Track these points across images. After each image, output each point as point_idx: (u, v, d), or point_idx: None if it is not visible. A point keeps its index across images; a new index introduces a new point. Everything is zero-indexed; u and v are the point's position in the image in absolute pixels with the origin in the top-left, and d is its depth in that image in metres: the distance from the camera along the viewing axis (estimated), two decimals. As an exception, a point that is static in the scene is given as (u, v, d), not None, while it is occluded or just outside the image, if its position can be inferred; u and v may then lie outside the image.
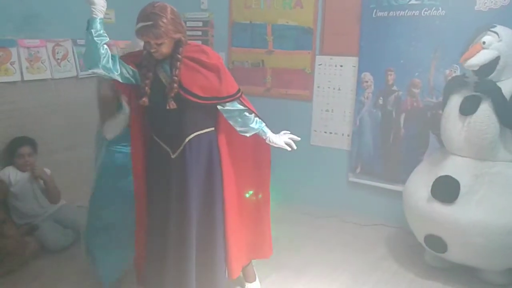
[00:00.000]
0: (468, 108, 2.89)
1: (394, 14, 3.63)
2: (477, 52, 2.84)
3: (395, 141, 3.82)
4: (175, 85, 2.25)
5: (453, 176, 2.86)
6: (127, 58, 2.36)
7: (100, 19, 2.19)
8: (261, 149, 2.63)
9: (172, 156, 2.38)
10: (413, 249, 3.37)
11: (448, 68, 3.43)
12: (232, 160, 2.52)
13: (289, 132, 2.58)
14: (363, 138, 3.96)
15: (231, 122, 2.45)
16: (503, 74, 2.87)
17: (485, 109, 2.82)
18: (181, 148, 2.37)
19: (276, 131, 2.57)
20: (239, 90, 2.42)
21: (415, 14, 3.54)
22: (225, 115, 2.43)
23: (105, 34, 2.22)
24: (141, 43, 2.34)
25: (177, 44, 2.27)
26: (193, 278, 2.43)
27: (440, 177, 2.91)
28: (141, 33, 2.18)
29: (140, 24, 2.16)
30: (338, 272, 3.18)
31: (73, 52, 3.86)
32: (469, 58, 2.86)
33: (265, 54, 4.36)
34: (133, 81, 2.36)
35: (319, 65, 4.12)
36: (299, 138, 2.57)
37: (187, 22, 4.56)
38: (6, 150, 3.45)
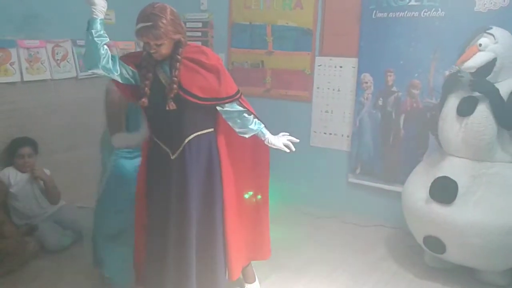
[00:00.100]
0: (465, 109, 2.89)
1: (393, 15, 3.64)
2: (474, 54, 2.85)
3: (394, 142, 3.82)
4: (175, 85, 2.25)
5: (451, 177, 2.86)
6: (127, 58, 2.36)
7: (100, 19, 2.19)
8: (260, 150, 2.63)
9: (172, 157, 2.38)
10: (412, 250, 3.37)
11: (447, 69, 3.43)
12: (232, 161, 2.53)
13: (288, 134, 2.58)
14: (363, 139, 3.97)
15: (230, 123, 2.45)
16: (500, 76, 2.88)
17: (482, 110, 2.83)
18: (181, 148, 2.37)
19: (275, 132, 2.57)
20: (238, 91, 2.42)
21: (415, 15, 3.54)
22: (224, 116, 2.43)
23: (105, 35, 2.22)
24: None
25: (177, 45, 2.27)
26: (193, 278, 2.43)
27: (438, 178, 2.91)
28: (140, 33, 2.18)
29: (140, 25, 2.17)
30: (337, 272, 3.18)
31: (72, 52, 3.86)
32: (466, 61, 2.86)
33: (265, 55, 4.36)
34: (133, 81, 2.36)
35: (318, 66, 4.13)
36: (298, 140, 2.57)
37: (187, 23, 4.56)
38: (6, 150, 3.45)
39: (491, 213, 2.75)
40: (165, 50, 2.24)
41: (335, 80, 4.06)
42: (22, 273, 3.08)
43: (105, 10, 2.21)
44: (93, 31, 2.17)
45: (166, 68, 2.31)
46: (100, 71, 2.25)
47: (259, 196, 2.73)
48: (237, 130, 2.46)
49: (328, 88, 4.11)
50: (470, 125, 2.86)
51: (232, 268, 2.61)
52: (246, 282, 2.89)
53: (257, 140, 2.53)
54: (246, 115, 2.44)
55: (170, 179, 2.40)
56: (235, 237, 2.58)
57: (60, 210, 3.59)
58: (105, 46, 2.23)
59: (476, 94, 2.87)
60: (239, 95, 2.42)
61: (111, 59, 2.26)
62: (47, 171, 3.55)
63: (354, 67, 3.94)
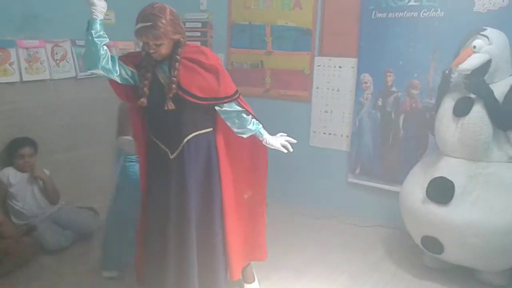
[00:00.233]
0: (461, 110, 2.90)
1: (393, 16, 3.64)
2: (468, 56, 2.85)
3: (394, 142, 3.82)
4: (174, 85, 2.26)
5: (448, 177, 2.87)
6: (126, 58, 2.36)
7: (100, 20, 2.19)
8: (258, 150, 2.63)
9: (171, 157, 2.39)
10: (412, 250, 3.38)
11: (447, 69, 3.43)
12: (230, 161, 2.53)
13: (286, 134, 2.58)
14: (363, 139, 3.97)
15: (228, 123, 2.45)
16: (495, 76, 2.89)
17: (478, 111, 2.84)
18: (180, 148, 2.37)
19: (275, 132, 2.57)
20: (237, 91, 2.43)
21: (414, 15, 3.55)
22: (222, 116, 2.43)
23: (105, 35, 2.22)
24: None
25: (176, 45, 2.27)
26: (195, 278, 2.43)
27: (435, 178, 2.92)
28: (140, 34, 2.18)
29: (140, 25, 2.17)
30: (337, 273, 3.18)
31: (72, 52, 3.85)
32: (461, 63, 2.87)
33: (264, 55, 4.36)
34: (132, 82, 2.36)
35: (318, 66, 4.13)
36: (296, 141, 2.57)
37: (186, 23, 4.56)
38: (6, 150, 3.45)
39: (488, 212, 2.76)
40: (164, 50, 2.24)
41: (335, 80, 4.06)
42: (22, 273, 3.08)
43: (105, 10, 2.21)
44: (93, 31, 2.17)
45: (165, 68, 2.31)
46: (99, 72, 2.25)
47: (256, 197, 2.72)
48: (235, 130, 2.47)
49: (328, 88, 4.11)
50: (466, 126, 2.86)
51: (233, 268, 2.61)
52: (246, 282, 2.89)
53: (255, 140, 2.54)
54: (244, 115, 2.45)
55: (169, 178, 2.40)
56: (235, 237, 2.59)
57: (59, 210, 3.59)
58: (105, 47, 2.23)
59: (472, 94, 2.88)
60: (237, 95, 2.42)
61: (111, 60, 2.27)
62: (47, 171, 3.55)
63: (353, 67, 3.94)
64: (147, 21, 2.15)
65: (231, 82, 2.41)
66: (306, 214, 4.10)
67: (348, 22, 3.90)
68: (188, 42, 2.36)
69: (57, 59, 3.76)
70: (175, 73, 2.26)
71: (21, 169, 3.43)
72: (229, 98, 2.38)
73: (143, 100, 2.29)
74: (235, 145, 2.54)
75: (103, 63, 2.23)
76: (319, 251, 3.48)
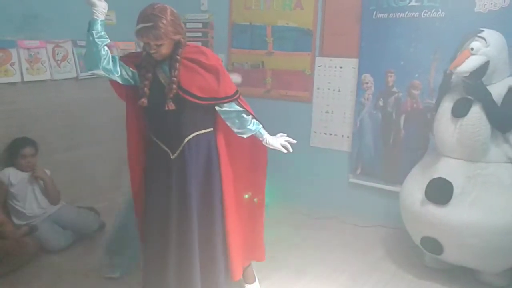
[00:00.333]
0: (459, 111, 2.91)
1: (394, 16, 3.64)
2: (466, 58, 2.86)
3: (395, 142, 3.82)
4: (174, 86, 2.26)
5: (446, 178, 2.88)
6: (127, 59, 2.36)
7: (101, 20, 2.19)
8: (258, 150, 2.63)
9: (172, 157, 2.39)
10: (412, 250, 3.37)
11: (448, 69, 3.43)
12: (230, 161, 2.53)
13: (286, 135, 2.58)
14: (364, 139, 3.97)
15: (228, 123, 2.45)
16: (493, 78, 2.89)
17: (476, 112, 2.84)
18: (180, 148, 2.37)
19: (276, 132, 2.58)
20: (237, 92, 2.43)
21: (415, 15, 3.54)
22: (222, 116, 2.44)
23: (106, 36, 2.22)
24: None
25: (177, 45, 2.28)
26: (197, 278, 2.43)
27: (434, 179, 2.92)
28: (141, 34, 2.18)
29: (140, 25, 2.17)
30: (337, 272, 3.18)
31: (73, 53, 3.86)
32: (459, 65, 2.87)
33: (265, 55, 4.37)
34: (132, 82, 2.36)
35: (319, 66, 4.13)
36: (295, 141, 2.57)
37: (187, 24, 4.56)
38: (7, 150, 3.45)
39: (487, 213, 2.76)
40: (165, 50, 2.24)
41: (335, 80, 4.06)
42: (22, 273, 3.08)
43: (105, 11, 2.21)
44: (93, 32, 2.17)
45: (166, 68, 2.31)
46: (100, 72, 2.26)
47: (255, 198, 2.72)
48: (235, 130, 2.47)
49: (329, 89, 4.11)
50: (465, 126, 2.87)
51: (234, 268, 2.61)
52: (246, 283, 2.89)
53: (255, 140, 2.54)
54: (244, 115, 2.45)
55: (170, 179, 2.40)
56: (235, 237, 2.58)
57: (60, 210, 3.59)
58: (106, 47, 2.23)
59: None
60: (237, 95, 2.42)
61: (112, 60, 2.27)
62: (47, 171, 3.55)
63: (354, 68, 3.94)
64: (148, 22, 2.15)
65: (231, 82, 2.41)
66: (306, 214, 4.10)
67: (349, 23, 3.90)
68: (188, 43, 2.36)
69: (58, 60, 3.76)
70: (176, 73, 2.26)
71: (23, 169, 3.44)
72: (229, 98, 2.38)
73: (144, 100, 2.30)
74: (236, 145, 2.54)
75: (104, 63, 2.24)
76: (319, 251, 3.48)
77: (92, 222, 3.66)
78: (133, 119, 2.45)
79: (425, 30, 3.52)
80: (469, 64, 2.84)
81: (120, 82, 2.34)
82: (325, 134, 4.19)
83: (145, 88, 2.30)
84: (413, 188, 3.10)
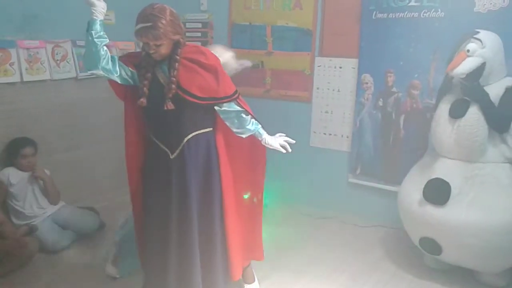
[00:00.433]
0: (457, 112, 2.92)
1: (393, 16, 3.64)
2: (463, 60, 2.86)
3: (395, 142, 3.82)
4: (173, 85, 2.26)
5: (444, 178, 2.88)
6: (126, 59, 2.36)
7: (100, 20, 2.19)
8: (258, 150, 2.63)
9: (171, 157, 2.39)
10: (412, 250, 3.37)
11: (447, 69, 3.44)
12: (230, 161, 2.53)
13: (285, 135, 2.58)
14: (363, 139, 3.97)
15: (227, 123, 2.45)
16: (490, 78, 2.90)
17: (474, 113, 2.85)
18: (180, 148, 2.37)
19: (275, 132, 2.58)
20: (236, 91, 2.43)
21: (415, 15, 3.54)
22: (222, 116, 2.44)
23: (105, 36, 2.22)
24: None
25: (176, 45, 2.28)
26: (198, 278, 2.43)
27: (431, 179, 2.93)
28: (140, 34, 2.18)
29: (139, 25, 2.17)
30: (337, 273, 3.18)
31: (72, 53, 3.86)
32: (455, 67, 2.88)
33: (265, 55, 4.36)
34: (131, 82, 2.36)
35: (318, 66, 4.13)
36: (294, 141, 2.58)
37: (187, 24, 4.56)
38: (7, 150, 3.45)
39: (485, 213, 2.76)
40: (164, 50, 2.24)
41: (335, 80, 4.06)
42: (22, 273, 3.08)
43: (104, 11, 2.21)
44: (93, 32, 2.18)
45: (165, 68, 2.31)
46: (100, 72, 2.26)
47: (254, 198, 2.73)
48: (234, 130, 2.47)
49: (328, 89, 4.11)
50: (463, 127, 2.88)
51: (234, 268, 2.61)
52: (246, 283, 2.89)
53: (254, 140, 2.54)
54: (243, 115, 2.45)
55: (169, 178, 2.40)
56: (235, 237, 2.59)
57: (60, 210, 3.59)
58: (105, 47, 2.23)
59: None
60: (237, 95, 2.42)
61: (111, 60, 2.27)
62: (47, 171, 3.55)
63: (353, 68, 3.94)
64: (147, 22, 2.15)
65: (230, 82, 2.42)
66: (306, 214, 4.10)
67: (348, 23, 3.90)
68: (187, 43, 2.36)
69: (57, 60, 3.76)
70: (175, 73, 2.27)
71: (23, 169, 3.44)
72: (229, 98, 2.38)
73: (143, 100, 2.30)
74: (235, 145, 2.54)
75: (103, 63, 2.24)
76: (319, 251, 3.48)
77: (92, 222, 3.66)
78: (132, 119, 2.45)
79: (425, 30, 3.52)
80: (466, 66, 2.85)
81: (119, 82, 2.34)
82: (325, 134, 4.19)
83: (144, 88, 2.30)
84: (411, 189, 3.10)
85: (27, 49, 3.54)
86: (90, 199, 4.04)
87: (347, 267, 3.25)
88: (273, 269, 3.15)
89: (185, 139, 2.37)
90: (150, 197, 2.48)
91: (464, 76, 2.87)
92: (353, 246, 3.57)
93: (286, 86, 4.32)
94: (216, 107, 2.40)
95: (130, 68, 2.33)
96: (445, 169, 2.95)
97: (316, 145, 4.23)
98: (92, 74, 2.30)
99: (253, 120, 2.49)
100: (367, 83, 3.87)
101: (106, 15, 2.24)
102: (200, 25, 4.64)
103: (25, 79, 3.53)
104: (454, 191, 2.84)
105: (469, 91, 2.89)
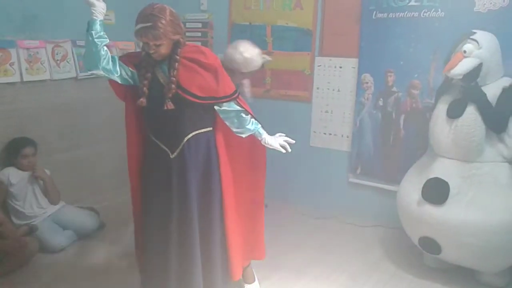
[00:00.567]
0: (455, 112, 2.92)
1: (393, 16, 3.64)
2: (459, 61, 2.87)
3: (395, 142, 3.82)
4: (173, 85, 2.26)
5: (443, 178, 2.88)
6: (126, 59, 2.36)
7: (100, 20, 2.19)
8: (257, 150, 2.63)
9: (171, 156, 2.38)
10: (412, 250, 3.37)
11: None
12: (230, 160, 2.53)
13: (284, 135, 2.58)
14: (363, 139, 3.97)
15: (227, 123, 2.45)
16: (487, 79, 2.91)
17: (471, 113, 2.86)
18: (180, 148, 2.37)
19: (275, 132, 2.58)
20: (236, 91, 2.43)
21: (415, 15, 3.54)
22: (221, 116, 2.44)
23: (105, 36, 2.22)
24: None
25: (176, 45, 2.28)
26: (199, 277, 2.43)
27: (430, 179, 2.94)
28: (140, 34, 2.18)
29: (139, 25, 2.17)
30: (337, 273, 3.18)
31: (72, 53, 3.86)
32: (452, 68, 2.88)
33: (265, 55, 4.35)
34: (132, 82, 2.37)
35: (318, 66, 4.13)
36: (294, 141, 2.57)
37: (187, 23, 4.56)
38: (7, 150, 3.45)
39: (483, 212, 2.77)
40: (164, 50, 2.24)
41: (335, 80, 4.06)
42: (22, 273, 3.09)
43: (104, 11, 2.21)
44: (93, 32, 2.17)
45: (165, 68, 2.31)
46: (100, 72, 2.26)
47: (255, 197, 2.73)
48: (234, 129, 2.47)
49: (328, 89, 4.11)
50: (460, 127, 2.88)
51: (234, 268, 2.61)
52: (246, 283, 2.89)
53: (254, 140, 2.54)
54: (243, 115, 2.45)
55: (170, 178, 2.40)
56: (235, 236, 2.58)
57: (60, 210, 3.60)
58: (105, 47, 2.23)
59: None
60: (236, 94, 2.43)
61: (111, 60, 2.27)
62: (47, 171, 3.55)
63: (354, 68, 3.94)
64: (147, 22, 2.15)
65: (230, 81, 2.42)
66: (306, 214, 4.10)
67: (348, 23, 3.90)
68: (187, 42, 2.36)
69: (57, 60, 3.76)
70: (175, 73, 2.27)
71: (23, 169, 3.44)
72: (228, 98, 2.38)
73: (143, 100, 2.30)
74: (235, 144, 2.54)
75: (104, 63, 2.24)
76: (319, 251, 3.48)
77: (92, 222, 3.66)
78: (132, 119, 2.45)
79: (425, 30, 3.52)
80: (462, 66, 2.85)
81: (120, 82, 2.34)
82: (325, 134, 4.19)
83: (144, 88, 2.30)
84: (410, 189, 3.11)
85: (27, 49, 3.55)
86: (90, 199, 4.04)
87: (347, 267, 3.25)
88: (273, 269, 3.15)
89: (185, 139, 2.37)
90: (150, 196, 2.48)
91: (461, 77, 2.88)
92: (353, 246, 3.57)
93: (286, 86, 4.32)
94: (216, 107, 2.40)
95: (130, 68, 2.34)
96: (443, 168, 2.96)
97: (316, 145, 4.23)
98: (92, 74, 2.30)
99: (253, 119, 2.49)
100: (367, 82, 3.87)
101: (106, 15, 2.24)
102: (200, 25, 4.64)
103: (25, 79, 3.53)
104: (452, 190, 2.85)
105: (467, 91, 2.90)
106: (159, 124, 2.38)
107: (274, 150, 2.53)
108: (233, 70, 2.94)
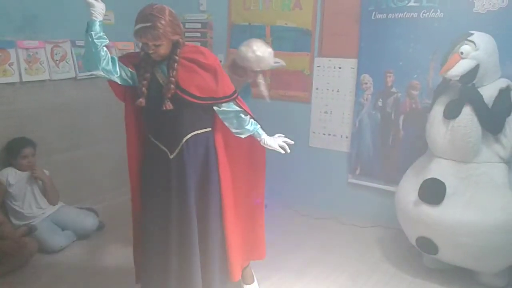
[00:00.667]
0: (451, 112, 2.93)
1: (392, 16, 3.64)
2: (456, 62, 2.87)
3: (394, 142, 3.82)
4: (172, 86, 2.26)
5: (439, 178, 2.89)
6: (126, 59, 2.36)
7: (99, 21, 2.19)
8: (257, 150, 2.63)
9: (170, 157, 2.38)
10: (411, 251, 3.37)
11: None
12: (229, 161, 2.53)
13: (284, 136, 2.58)
14: (363, 139, 3.97)
15: (226, 124, 2.45)
16: (484, 80, 2.92)
17: (467, 114, 2.86)
18: (179, 148, 2.37)
19: (274, 132, 2.58)
20: (235, 91, 2.43)
21: (414, 16, 3.54)
22: (220, 116, 2.44)
23: (105, 37, 2.22)
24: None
25: (175, 45, 2.28)
26: (199, 277, 2.43)
27: (427, 179, 2.94)
28: (139, 34, 2.18)
29: (139, 26, 2.17)
30: (337, 273, 3.18)
31: (71, 53, 3.85)
32: (449, 69, 2.89)
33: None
34: (131, 82, 2.36)
35: (317, 67, 4.13)
36: (293, 142, 2.57)
37: (186, 24, 4.56)
38: (6, 151, 3.45)
39: (480, 212, 2.77)
40: (163, 50, 2.24)
41: (334, 81, 4.06)
42: (21, 273, 3.08)
43: (104, 12, 2.21)
44: (92, 33, 2.17)
45: (164, 68, 2.31)
46: (100, 73, 2.25)
47: (254, 197, 2.72)
48: (233, 130, 2.47)
49: (327, 89, 4.11)
50: (457, 128, 2.89)
51: (233, 269, 2.60)
52: (245, 283, 2.88)
53: (253, 140, 2.54)
54: (242, 115, 2.45)
55: (169, 178, 2.40)
56: (234, 237, 2.58)
57: (59, 211, 3.59)
58: (105, 48, 2.23)
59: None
60: (236, 95, 2.42)
61: (111, 61, 2.27)
62: (46, 172, 3.55)
63: (353, 68, 3.94)
64: (146, 22, 2.15)
65: (229, 82, 2.42)
66: (306, 215, 4.10)
67: (348, 23, 3.90)
68: (187, 43, 2.36)
69: (56, 60, 3.76)
70: (174, 73, 2.27)
71: (23, 169, 3.44)
72: (228, 98, 2.38)
73: (142, 100, 2.29)
74: (234, 145, 2.53)
75: (104, 64, 2.23)
76: (318, 251, 3.48)
77: (91, 223, 3.65)
78: (132, 119, 2.45)
79: (424, 31, 3.52)
80: (459, 68, 2.86)
81: (119, 83, 2.34)
82: (324, 134, 4.19)
83: (143, 88, 2.30)
84: (408, 189, 3.12)
85: (26, 49, 3.54)
86: (89, 200, 4.04)
87: (347, 268, 3.25)
88: (273, 269, 3.15)
89: (184, 139, 2.36)
90: (149, 197, 2.48)
91: (458, 78, 2.89)
92: (353, 247, 3.57)
93: (286, 87, 4.32)
94: (215, 107, 2.39)
95: (129, 69, 2.33)
96: (440, 169, 2.97)
97: (316, 146, 4.23)
98: (92, 74, 2.29)
99: (252, 120, 2.49)
100: (366, 83, 3.87)
101: (105, 15, 2.24)
102: (199, 26, 4.64)
103: (24, 79, 3.53)
104: (449, 191, 2.86)
105: (463, 92, 2.90)
106: (158, 124, 2.38)
107: (273, 150, 2.53)
108: (245, 68, 2.95)
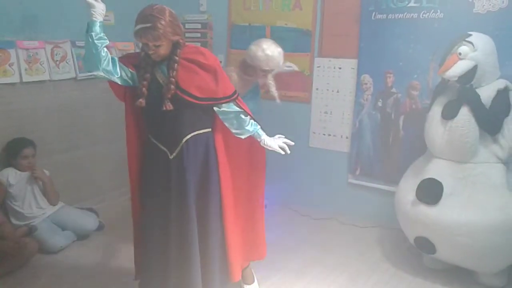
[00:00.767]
0: (449, 113, 2.94)
1: (392, 17, 3.64)
2: (454, 63, 2.88)
3: (394, 143, 3.82)
4: (172, 86, 2.26)
5: (436, 178, 2.90)
6: (126, 59, 2.37)
7: (100, 22, 2.19)
8: (257, 151, 2.63)
9: (170, 157, 2.39)
10: (411, 251, 3.38)
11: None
12: (229, 161, 2.53)
13: (283, 136, 2.58)
14: (363, 140, 3.97)
15: (226, 124, 2.45)
16: (483, 80, 2.92)
17: (465, 114, 2.87)
18: (179, 148, 2.37)
19: (274, 133, 2.58)
20: (235, 92, 2.43)
21: (414, 16, 3.55)
22: (220, 117, 2.44)
23: (105, 37, 2.22)
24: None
25: (175, 46, 2.28)
26: (198, 278, 2.43)
27: (424, 179, 2.95)
28: (139, 34, 2.18)
29: (139, 26, 2.17)
30: (337, 273, 3.18)
31: (71, 53, 3.85)
32: (447, 70, 2.90)
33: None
34: (131, 83, 2.37)
35: (317, 67, 4.13)
36: (293, 143, 2.58)
37: (186, 24, 4.56)
38: (6, 151, 3.45)
39: (477, 212, 2.78)
40: (163, 51, 2.24)
41: (334, 81, 4.06)
42: (22, 273, 3.08)
43: (104, 12, 2.21)
44: (93, 34, 2.17)
45: (164, 69, 2.32)
46: (100, 74, 2.25)
47: (254, 197, 2.73)
48: (233, 131, 2.47)
49: (327, 89, 4.11)
50: (454, 128, 2.89)
51: (233, 269, 2.61)
52: (245, 283, 2.89)
53: (253, 141, 2.54)
54: (242, 116, 2.45)
55: (169, 179, 2.40)
56: (234, 237, 2.59)
57: (59, 211, 3.59)
58: (105, 49, 2.23)
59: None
60: (236, 95, 2.43)
61: (111, 61, 2.27)
62: (47, 172, 3.55)
63: (353, 68, 3.94)
64: (147, 22, 2.16)
65: (229, 82, 2.42)
66: (306, 215, 4.11)
67: (348, 23, 3.90)
68: (187, 43, 2.36)
69: (56, 60, 3.76)
70: (174, 73, 2.27)
71: (23, 170, 3.44)
72: (228, 99, 2.39)
73: (142, 101, 2.30)
74: (234, 145, 2.54)
75: (104, 65, 2.23)
76: (318, 251, 3.48)
77: (91, 223, 3.65)
78: (132, 119, 2.45)
79: (424, 31, 3.52)
80: (457, 68, 2.87)
81: (119, 83, 2.34)
82: (324, 134, 4.19)
83: (143, 89, 2.30)
84: (406, 190, 3.13)
85: (27, 49, 3.54)
86: (90, 200, 4.04)
87: (347, 268, 3.25)
88: (273, 269, 3.15)
89: (184, 140, 2.37)
90: (149, 197, 2.48)
91: (456, 79, 2.90)
92: (353, 247, 3.57)
93: (286, 87, 4.30)
94: (215, 108, 2.40)
95: (130, 69, 2.34)
96: (437, 169, 2.98)
97: (316, 146, 4.23)
98: (92, 75, 2.29)
99: (252, 121, 2.49)
100: (366, 83, 3.88)
101: (105, 15, 2.24)
102: (199, 26, 4.64)
103: (24, 80, 3.53)
104: (447, 190, 2.86)
105: (461, 93, 2.91)
106: (158, 124, 2.38)
107: (273, 151, 2.53)
108: (254, 67, 2.96)
